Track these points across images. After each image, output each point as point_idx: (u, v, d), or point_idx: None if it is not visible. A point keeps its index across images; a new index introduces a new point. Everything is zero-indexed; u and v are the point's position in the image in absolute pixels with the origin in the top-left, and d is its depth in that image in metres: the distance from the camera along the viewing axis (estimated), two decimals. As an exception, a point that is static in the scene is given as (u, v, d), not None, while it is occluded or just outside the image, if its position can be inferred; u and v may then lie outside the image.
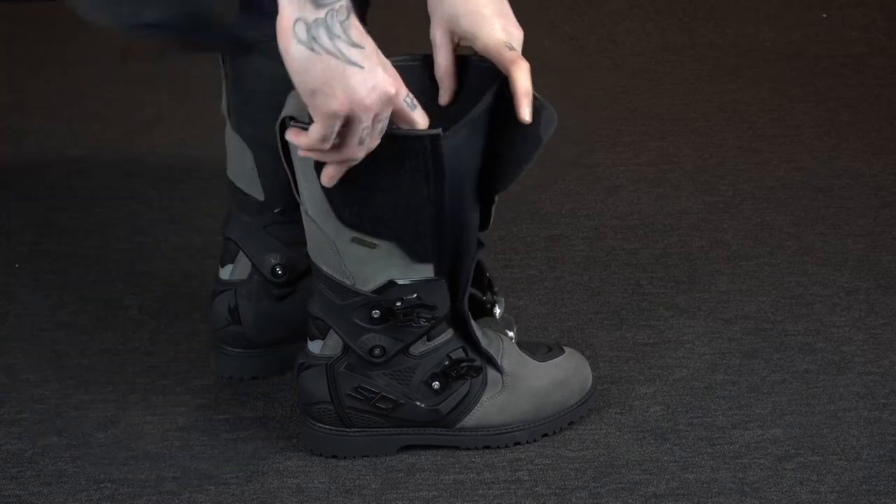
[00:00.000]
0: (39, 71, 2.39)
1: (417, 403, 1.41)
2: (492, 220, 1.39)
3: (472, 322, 1.40)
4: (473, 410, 1.42)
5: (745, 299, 1.69)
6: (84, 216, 1.90)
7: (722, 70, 2.35)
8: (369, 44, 1.20)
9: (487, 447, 1.43)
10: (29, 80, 2.36)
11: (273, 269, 1.51)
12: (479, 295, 1.42)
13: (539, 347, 1.48)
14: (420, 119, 1.26)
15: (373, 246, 1.32)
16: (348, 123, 1.21)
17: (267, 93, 1.39)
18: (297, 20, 1.16)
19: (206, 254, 1.80)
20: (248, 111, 1.44)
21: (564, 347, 1.49)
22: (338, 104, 1.19)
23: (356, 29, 1.19)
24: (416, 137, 1.26)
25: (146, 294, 1.72)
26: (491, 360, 1.42)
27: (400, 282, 1.34)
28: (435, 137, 1.27)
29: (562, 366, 1.47)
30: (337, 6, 1.17)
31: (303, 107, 1.23)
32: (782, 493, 1.37)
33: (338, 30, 1.17)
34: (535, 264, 1.77)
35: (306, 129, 1.23)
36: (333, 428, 1.42)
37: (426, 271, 1.35)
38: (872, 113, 2.18)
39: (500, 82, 1.31)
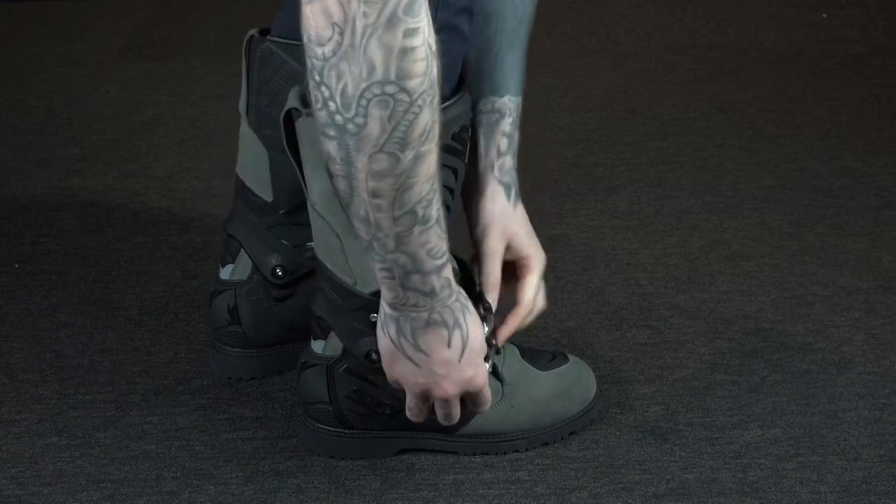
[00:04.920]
0: (39, 71, 2.39)
1: None
2: None
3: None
4: (473, 419, 1.41)
5: (745, 299, 1.69)
6: (84, 216, 1.90)
7: (722, 70, 2.35)
8: (438, 354, 1.25)
9: (486, 454, 1.43)
10: (29, 80, 2.36)
11: (274, 270, 1.51)
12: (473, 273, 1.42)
13: (543, 355, 1.47)
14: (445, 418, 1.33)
15: None
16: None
17: None
18: (383, 302, 1.25)
19: (206, 254, 1.80)
20: (270, 113, 1.43)
21: (569, 356, 1.48)
22: (393, 375, 1.30)
23: (431, 338, 1.24)
24: None
25: (146, 294, 1.72)
26: (492, 368, 1.41)
27: None
28: None
29: (564, 375, 1.45)
30: (413, 315, 1.23)
31: (304, 97, 1.25)
32: (782, 493, 1.37)
33: (407, 331, 1.24)
34: (535, 264, 1.77)
35: (310, 118, 1.25)
36: (332, 429, 1.42)
37: None
38: (872, 113, 2.18)
39: None
